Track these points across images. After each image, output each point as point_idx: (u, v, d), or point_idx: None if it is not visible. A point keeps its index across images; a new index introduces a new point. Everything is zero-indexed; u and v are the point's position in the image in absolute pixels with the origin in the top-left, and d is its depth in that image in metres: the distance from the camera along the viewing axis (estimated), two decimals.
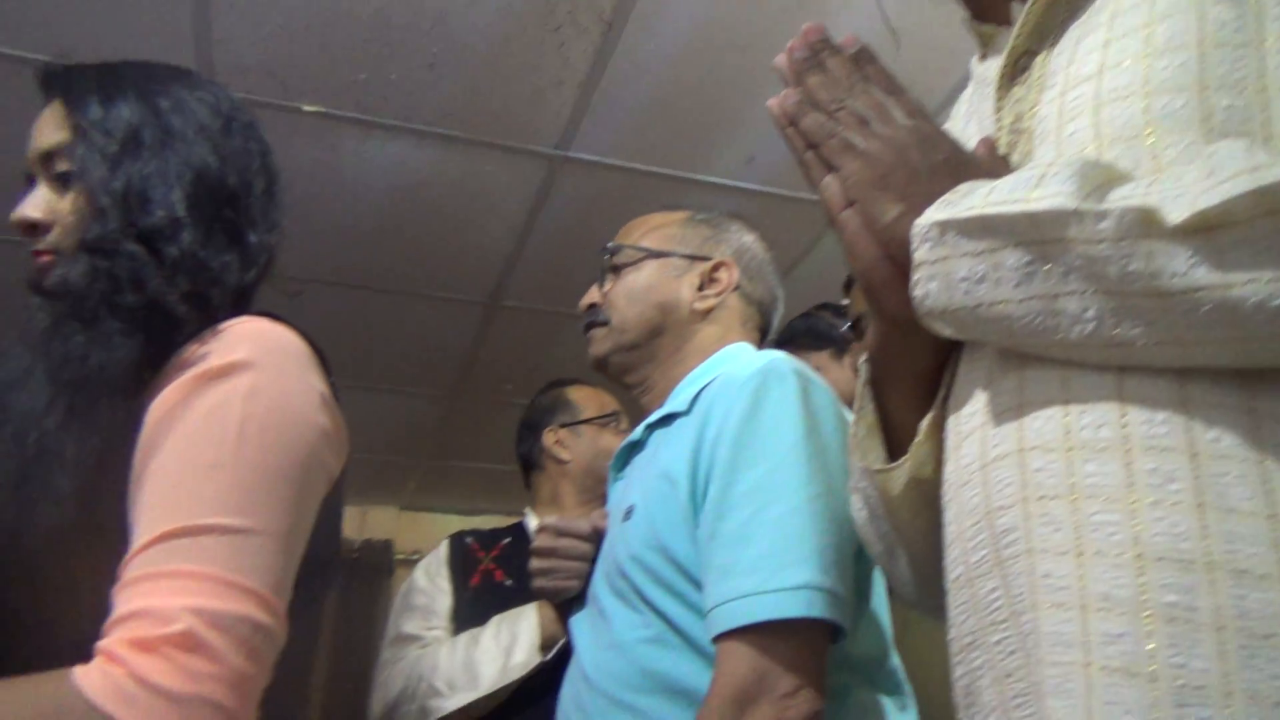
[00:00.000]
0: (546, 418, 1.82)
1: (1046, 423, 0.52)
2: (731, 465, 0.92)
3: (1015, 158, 0.61)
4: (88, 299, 0.71)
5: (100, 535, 0.65)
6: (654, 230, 1.20)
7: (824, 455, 0.93)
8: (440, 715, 1.46)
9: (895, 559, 0.70)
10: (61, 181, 0.79)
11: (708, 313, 1.15)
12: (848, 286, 1.67)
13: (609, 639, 0.97)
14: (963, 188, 0.54)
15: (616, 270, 1.17)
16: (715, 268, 1.17)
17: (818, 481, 0.90)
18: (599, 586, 1.03)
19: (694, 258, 1.17)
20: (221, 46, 1.76)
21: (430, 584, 1.65)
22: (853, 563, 0.92)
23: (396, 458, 3.70)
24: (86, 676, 0.58)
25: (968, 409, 0.58)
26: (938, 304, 0.54)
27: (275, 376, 0.71)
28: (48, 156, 0.80)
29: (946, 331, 0.56)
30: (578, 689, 1.00)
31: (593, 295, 1.19)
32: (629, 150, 2.11)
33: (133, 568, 0.62)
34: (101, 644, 0.60)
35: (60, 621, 0.63)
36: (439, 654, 1.50)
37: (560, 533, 1.10)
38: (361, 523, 4.14)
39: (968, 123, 0.68)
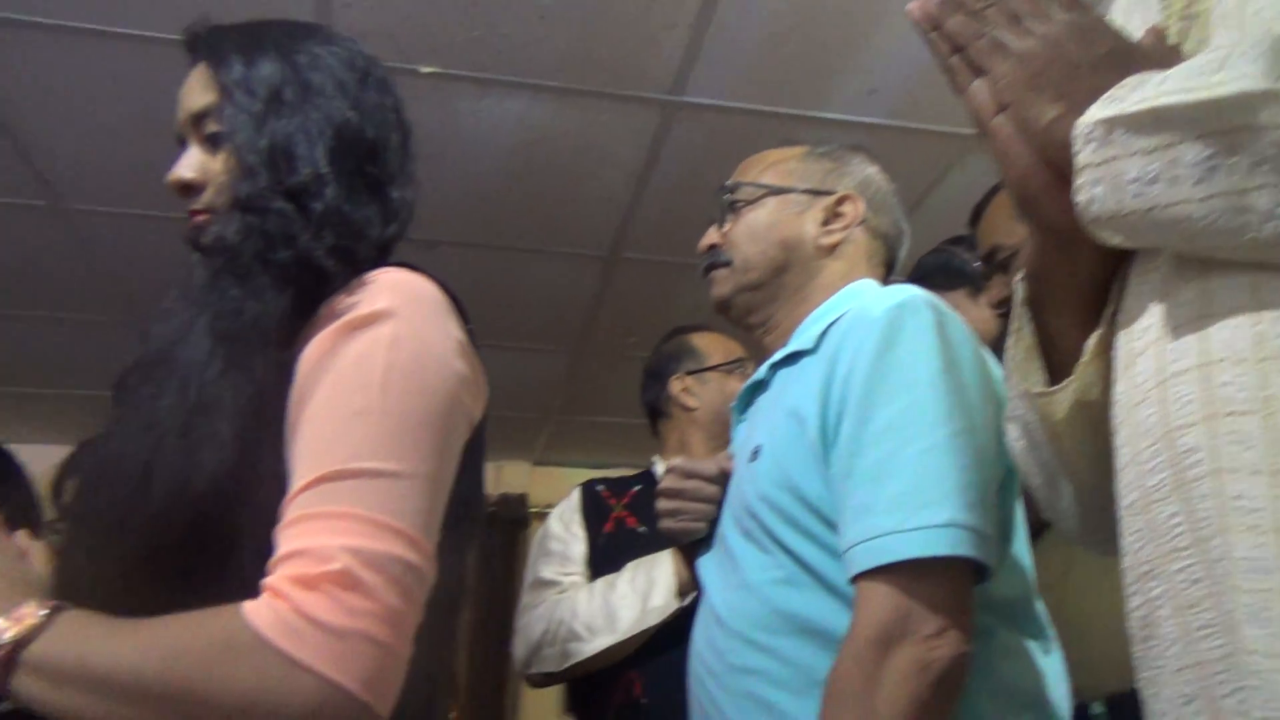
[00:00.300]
0: (672, 365, 1.81)
1: (1235, 333, 0.47)
2: (866, 401, 0.89)
3: (1188, 46, 0.55)
4: (242, 255, 0.74)
5: (261, 480, 0.67)
6: (772, 166, 1.16)
7: (963, 392, 0.89)
8: (580, 658, 1.50)
9: (1058, 489, 0.66)
10: (212, 142, 0.82)
11: (833, 248, 1.11)
12: (975, 218, 1.59)
13: (738, 580, 0.96)
14: (1130, 81, 0.49)
15: (735, 209, 1.14)
16: (839, 202, 1.13)
17: (958, 418, 0.87)
18: (727, 528, 1.02)
19: (816, 192, 1.13)
20: (341, 12, 1.79)
21: (565, 531, 1.69)
22: (995, 502, 0.88)
23: (527, 414, 3.78)
24: (255, 611, 0.61)
25: (1140, 323, 0.53)
26: (1105, 210, 0.49)
27: (415, 325, 0.72)
28: (197, 118, 0.82)
29: (1115, 240, 0.51)
30: (710, 631, 1.00)
31: (712, 236, 1.17)
32: (744, 91, 2.05)
33: (292, 509, 0.65)
34: (267, 580, 0.63)
35: (228, 561, 0.66)
36: (577, 599, 1.54)
37: (687, 474, 1.09)
38: (496, 478, 4.26)
39: (1130, 14, 0.62)
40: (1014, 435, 0.68)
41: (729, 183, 1.17)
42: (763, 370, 1.08)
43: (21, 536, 0.72)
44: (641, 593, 1.50)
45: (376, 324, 0.71)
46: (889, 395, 0.88)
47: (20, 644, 0.61)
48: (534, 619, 1.57)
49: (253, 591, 0.63)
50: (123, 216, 2.34)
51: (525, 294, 2.83)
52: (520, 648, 1.58)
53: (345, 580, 0.61)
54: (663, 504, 1.11)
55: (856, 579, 0.84)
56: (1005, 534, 0.93)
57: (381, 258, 0.79)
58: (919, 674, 0.79)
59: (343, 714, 0.60)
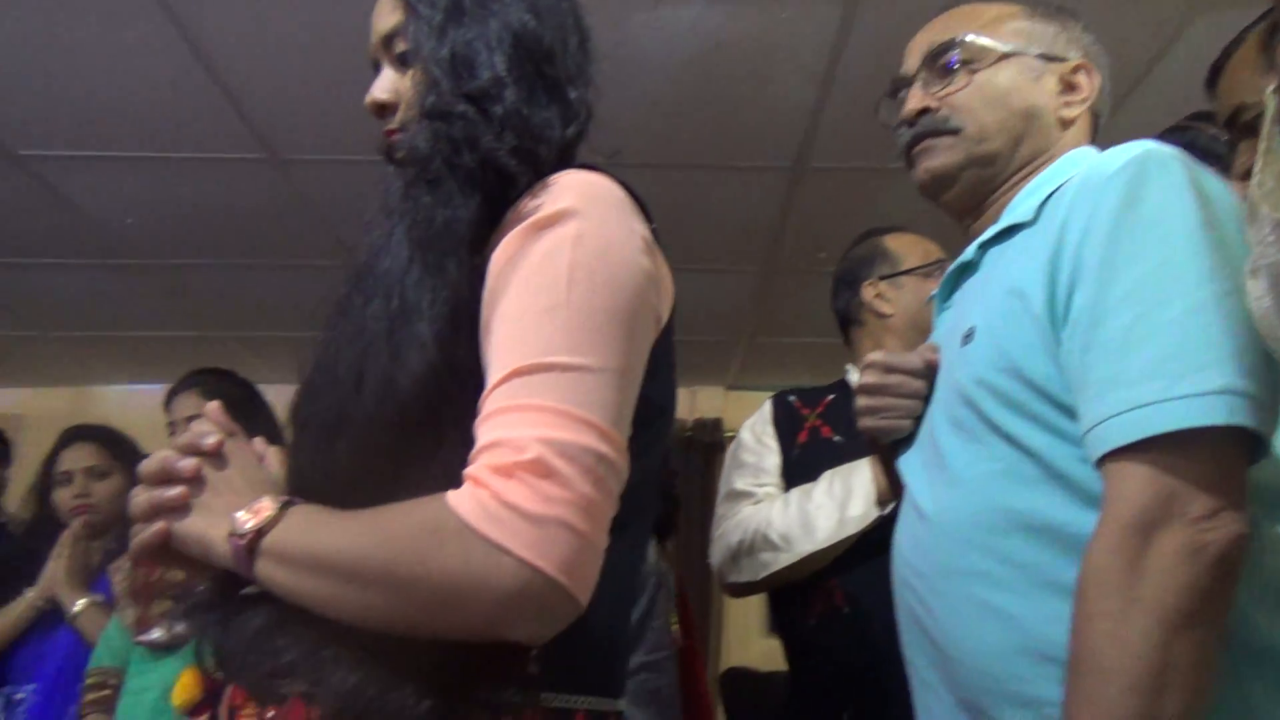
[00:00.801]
0: (864, 270, 1.73)
1: None
2: (1107, 264, 0.78)
3: None
4: (431, 163, 0.76)
5: (461, 379, 0.70)
6: (995, 23, 1.02)
7: (1226, 249, 0.76)
8: (777, 568, 1.48)
9: None
10: (402, 61, 0.85)
11: (1071, 122, 1.00)
12: (1212, 79, 1.38)
13: (948, 476, 0.90)
14: None
15: (957, 70, 1.00)
16: (1074, 70, 1.01)
17: (1223, 277, 0.75)
18: (935, 421, 0.95)
19: (1050, 58, 1.01)
20: None
21: (757, 442, 1.66)
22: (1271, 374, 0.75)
23: (718, 338, 3.77)
24: (458, 498, 0.64)
25: None
26: None
27: (599, 222, 0.73)
28: (387, 39, 0.86)
29: None
30: (916, 532, 0.94)
31: (918, 99, 1.02)
32: None
33: (488, 404, 0.67)
34: (468, 470, 0.65)
35: (434, 456, 0.69)
36: (772, 509, 1.52)
37: (889, 368, 1.02)
38: (691, 403, 4.30)
39: None
40: (1259, 292, 0.58)
41: (949, 38, 1.02)
42: (970, 251, 0.99)
43: (258, 442, 0.79)
44: (839, 501, 1.46)
45: (561, 223, 0.72)
46: (1136, 254, 0.78)
47: (260, 533, 0.67)
48: (730, 529, 1.56)
49: (457, 483, 0.65)
50: (335, 164, 2.48)
51: (709, 213, 2.79)
52: (717, 557, 1.58)
53: (539, 469, 0.63)
54: (863, 401, 1.05)
55: (1105, 460, 0.75)
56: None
57: (563, 160, 0.80)
58: (1191, 559, 0.70)
59: (543, 597, 0.62)
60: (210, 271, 3.10)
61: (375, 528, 0.65)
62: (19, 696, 2.02)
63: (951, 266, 1.04)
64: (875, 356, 1.04)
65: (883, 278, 1.69)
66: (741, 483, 1.61)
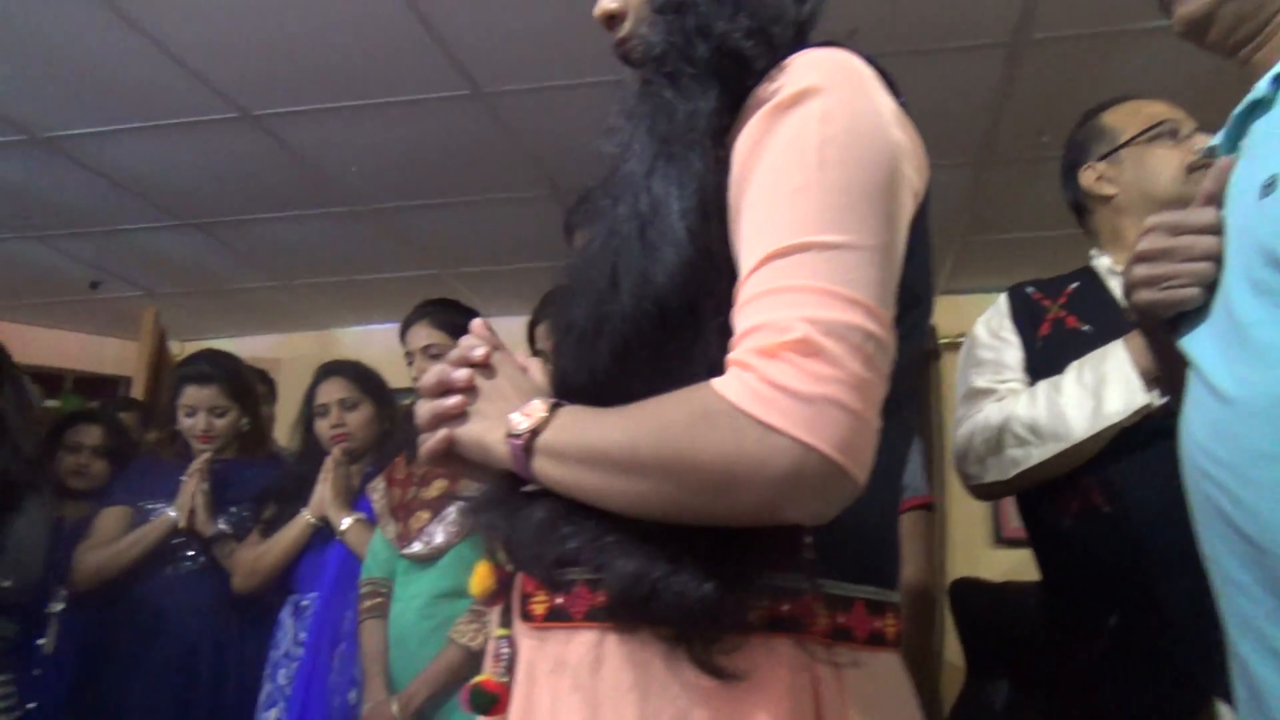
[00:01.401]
0: (1081, 153, 1.59)
1: None
2: None
3: None
4: (667, 57, 0.76)
5: (717, 269, 0.70)
6: None
7: None
8: (1027, 466, 1.40)
9: None
10: None
11: None
12: None
13: (1253, 351, 0.79)
14: None
15: None
16: None
17: None
18: (1231, 288, 0.84)
19: None
20: None
21: (994, 337, 1.56)
22: None
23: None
24: (724, 384, 0.63)
25: None
26: None
27: (845, 98, 0.70)
28: None
29: None
30: (1215, 418, 0.84)
31: None
32: None
33: (745, 291, 0.66)
34: (731, 356, 0.65)
35: (693, 348, 0.69)
36: (1018, 404, 1.42)
37: (1175, 229, 0.91)
38: None
39: None
40: None
41: None
42: (1261, 87, 0.87)
43: (519, 354, 0.82)
44: (1092, 391, 1.35)
45: (805, 101, 0.69)
46: None
47: (535, 433, 0.70)
48: (971, 429, 1.49)
49: (719, 372, 0.65)
50: (538, 91, 2.52)
51: (918, 104, 2.60)
52: (960, 459, 1.51)
53: (805, 348, 0.61)
54: (1140, 271, 0.94)
55: None
56: None
57: (799, 41, 0.77)
58: None
59: (821, 477, 0.61)
60: (427, 211, 3.26)
61: (645, 418, 0.66)
62: (304, 603, 2.26)
63: (1238, 108, 0.91)
64: (1157, 219, 0.93)
65: (1101, 158, 1.55)
66: (981, 380, 1.52)
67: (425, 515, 2.04)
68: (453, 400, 0.76)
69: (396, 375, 2.55)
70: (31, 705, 2.20)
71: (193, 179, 2.99)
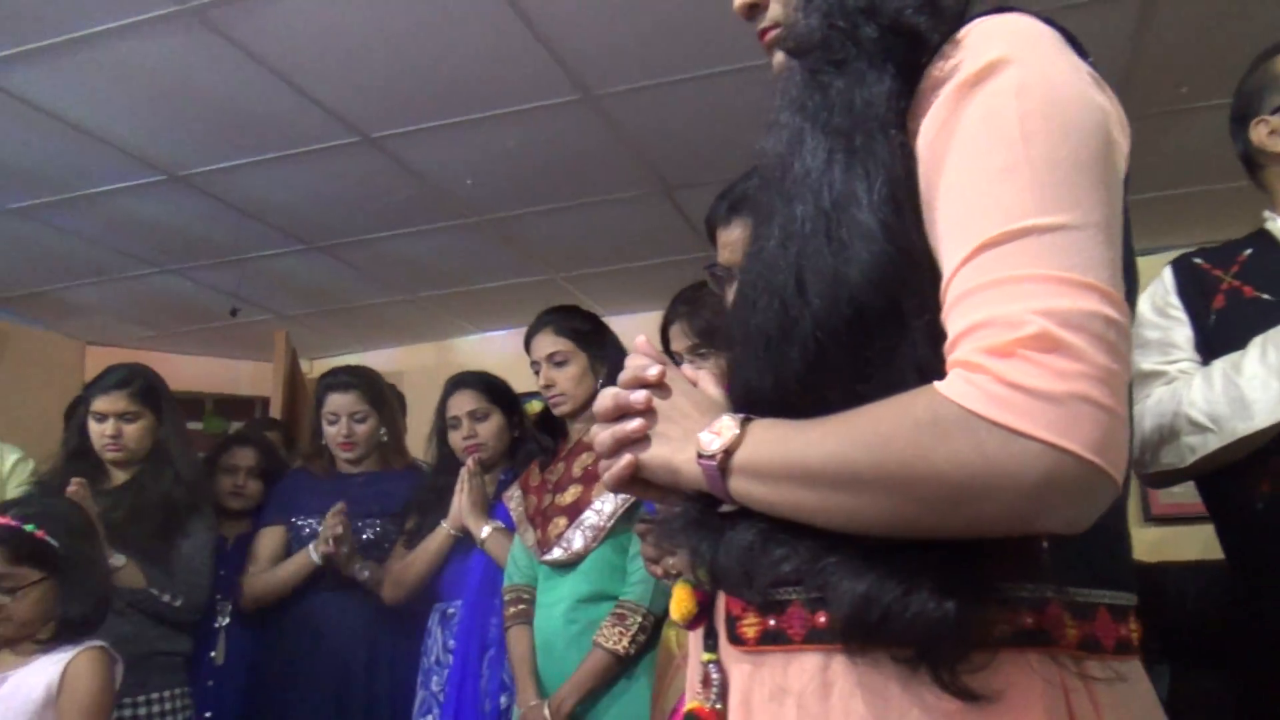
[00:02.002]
0: (1250, 105, 1.47)
1: None
2: None
3: None
4: (831, 42, 0.71)
5: (915, 263, 0.65)
6: None
7: None
8: (1206, 452, 1.31)
9: None
10: None
11: None
12: None
13: None
14: None
15: None
16: None
17: None
18: None
19: None
20: None
21: (1160, 315, 1.47)
22: None
23: None
24: (950, 387, 0.59)
25: None
26: None
27: (1039, 65, 0.64)
28: None
29: None
30: None
31: None
32: None
33: (956, 286, 0.61)
34: (954, 357, 0.60)
35: (897, 350, 0.64)
36: (1192, 387, 1.33)
37: None
38: None
39: None
40: None
41: None
42: None
43: (686, 367, 0.79)
44: (1278, 371, 1.25)
45: (995, 74, 0.64)
46: None
47: (729, 452, 0.66)
48: (1141, 414, 1.40)
49: (932, 377, 0.61)
50: (644, 90, 2.51)
51: None
52: (1134, 448, 1.43)
53: (1044, 343, 0.56)
54: None
55: None
56: None
57: (967, 9, 0.71)
58: None
59: (1078, 481, 0.56)
60: (541, 217, 3.29)
61: (857, 429, 0.61)
62: (450, 611, 2.32)
63: None
64: None
65: (1274, 111, 1.43)
66: (1148, 362, 1.43)
67: (563, 521, 2.06)
68: (634, 424, 0.73)
69: (517, 380, 2.59)
70: (208, 715, 2.32)
71: (318, 204, 3.09)
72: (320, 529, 2.39)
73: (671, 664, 1.71)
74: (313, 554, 2.36)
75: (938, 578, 0.60)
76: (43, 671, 1.67)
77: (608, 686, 1.92)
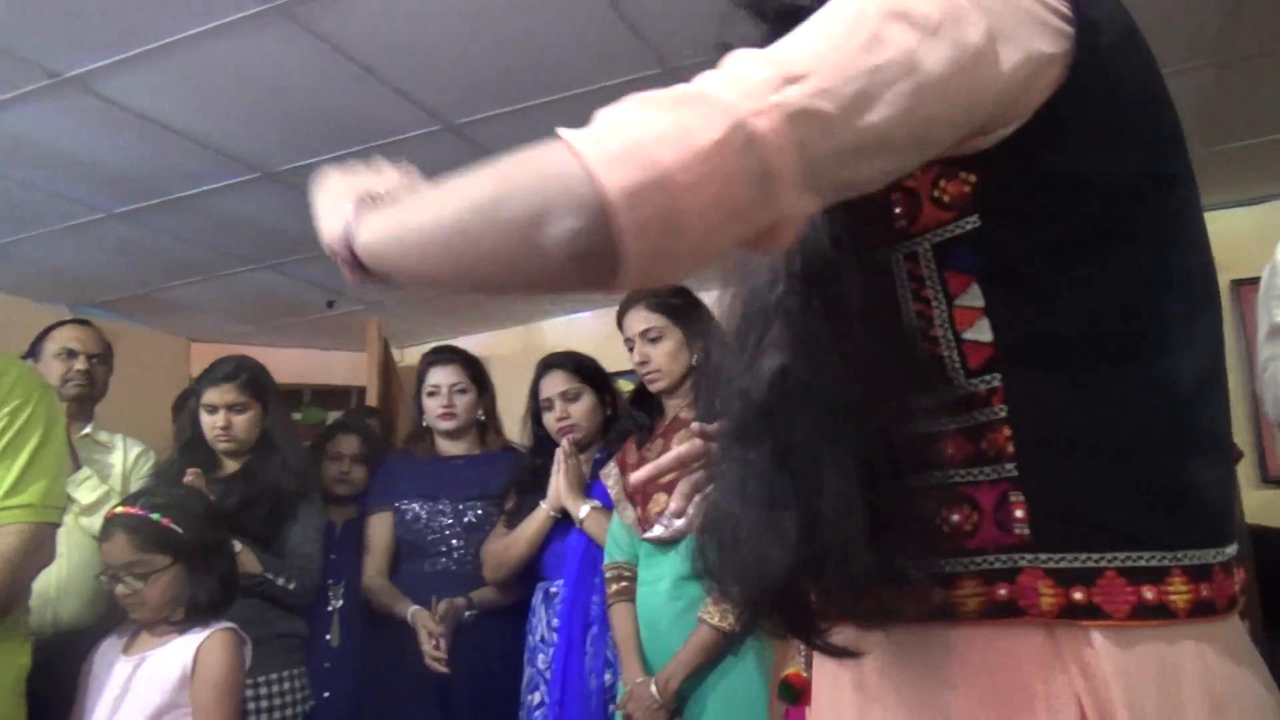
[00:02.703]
0: None
1: None
2: None
3: None
4: None
5: None
6: None
7: None
8: None
9: None
10: None
11: None
12: None
13: None
14: None
15: None
16: None
17: None
18: None
19: None
20: None
21: None
22: None
23: None
24: None
25: None
26: None
27: None
28: None
29: None
30: None
31: None
32: None
33: None
34: None
35: None
36: None
37: None
38: None
39: None
40: None
41: None
42: None
43: None
44: None
45: None
46: None
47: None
48: (1278, 370, 1.32)
49: None
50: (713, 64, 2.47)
51: (1149, 4, 2.36)
52: (1269, 405, 1.35)
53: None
54: None
55: None
56: None
57: None
58: None
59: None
60: None
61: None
62: (553, 590, 2.34)
63: None
64: None
65: None
66: None
67: (663, 499, 2.05)
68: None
69: (606, 361, 2.59)
70: (326, 695, 2.40)
71: None
72: (421, 512, 2.45)
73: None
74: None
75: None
76: (178, 652, 1.75)
77: (714, 663, 1.91)
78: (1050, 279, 0.65)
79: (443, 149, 2.84)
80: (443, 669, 2.25)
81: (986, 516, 0.66)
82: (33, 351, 2.52)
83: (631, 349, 2.21)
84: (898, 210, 0.69)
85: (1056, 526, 0.64)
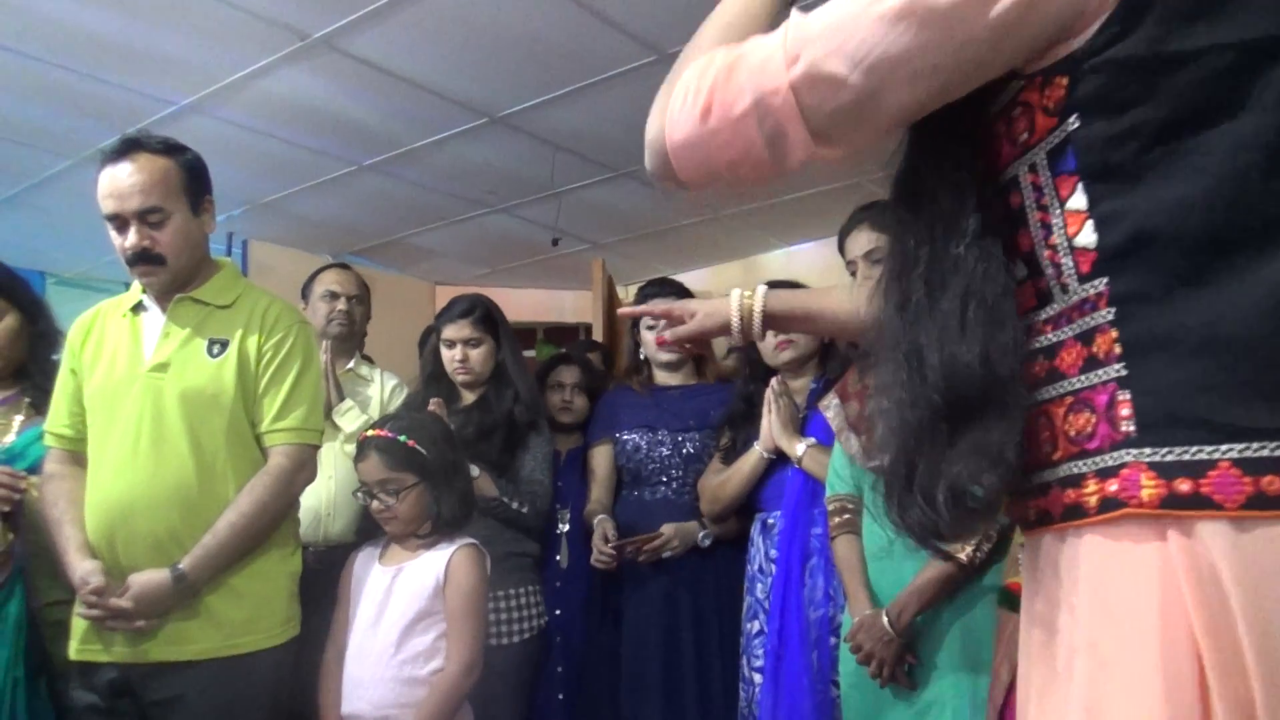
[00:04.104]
0: None
1: None
2: None
3: None
4: None
5: None
6: None
7: None
8: None
9: None
10: None
11: None
12: None
13: None
14: None
15: None
16: None
17: None
18: None
19: None
20: None
21: None
22: None
23: None
24: None
25: None
26: None
27: None
28: None
29: None
30: None
31: None
32: None
33: None
34: None
35: None
36: None
37: None
38: None
39: None
40: None
41: None
42: None
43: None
44: None
45: None
46: None
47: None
48: None
49: None
50: None
51: None
52: None
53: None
54: None
55: None
56: None
57: None
58: None
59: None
60: None
61: None
62: (770, 521, 2.33)
63: None
64: None
65: None
66: None
67: None
68: None
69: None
70: (557, 612, 2.54)
71: (622, 130, 3.17)
72: (641, 442, 2.51)
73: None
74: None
75: None
76: (430, 564, 1.91)
77: (950, 597, 1.82)
78: (1149, 170, 0.66)
79: (659, 79, 2.83)
80: (607, 565, 2.39)
81: (1100, 417, 0.68)
82: (304, 294, 2.79)
83: (854, 272, 2.12)
84: (1020, 126, 0.72)
85: (1162, 422, 0.65)
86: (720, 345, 2.59)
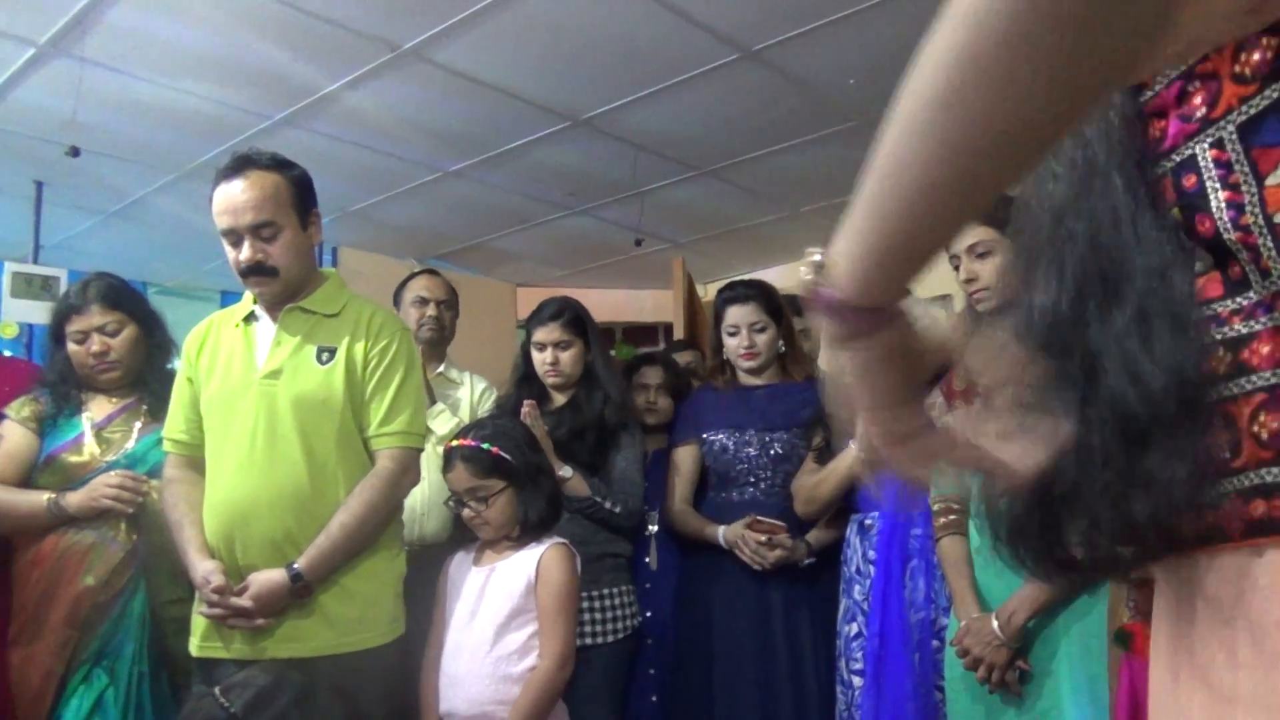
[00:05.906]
0: None
1: None
2: None
3: None
4: None
5: None
6: None
7: None
8: None
9: None
10: None
11: None
12: None
13: None
14: None
15: None
16: None
17: None
18: None
19: None
20: None
21: None
22: None
23: None
24: None
25: None
26: None
27: None
28: None
29: None
30: None
31: None
32: None
33: None
34: None
35: None
36: None
37: None
38: None
39: None
40: None
41: None
42: None
43: None
44: None
45: None
46: None
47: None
48: None
49: None
50: None
51: None
52: None
53: None
54: None
55: None
56: None
57: None
58: None
59: None
60: None
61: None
62: (868, 522, 2.29)
63: None
64: None
65: None
66: None
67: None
68: None
69: (920, 286, 2.45)
70: (648, 614, 2.54)
71: (704, 128, 3.16)
72: (728, 443, 2.50)
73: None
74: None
75: None
76: (522, 563, 1.94)
77: (1066, 602, 1.77)
78: None
79: (740, 77, 2.82)
80: (765, 565, 2.36)
81: None
82: (395, 300, 2.85)
83: (957, 267, 2.07)
84: (1197, 100, 0.66)
85: None
86: (810, 345, 2.56)
